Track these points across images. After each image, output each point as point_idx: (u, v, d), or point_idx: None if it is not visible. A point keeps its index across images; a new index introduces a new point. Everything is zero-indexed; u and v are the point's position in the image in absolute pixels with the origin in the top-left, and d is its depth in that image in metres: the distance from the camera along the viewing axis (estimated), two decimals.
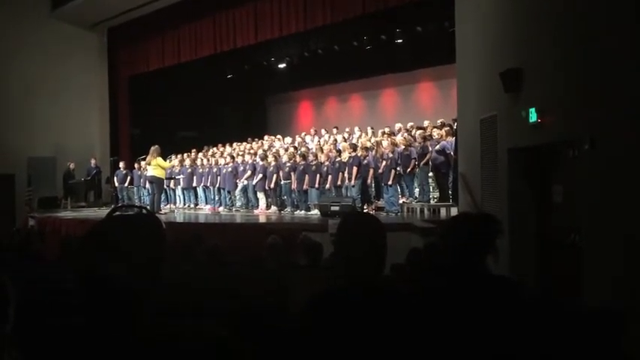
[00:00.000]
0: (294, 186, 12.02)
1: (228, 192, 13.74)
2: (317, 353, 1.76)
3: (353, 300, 1.79)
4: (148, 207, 12.87)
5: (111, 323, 1.39)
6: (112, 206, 12.70)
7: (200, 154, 15.57)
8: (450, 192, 10.07)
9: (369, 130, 13.71)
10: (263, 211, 12.71)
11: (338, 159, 11.44)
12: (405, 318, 1.78)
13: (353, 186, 10.90)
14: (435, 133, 10.82)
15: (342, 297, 1.82)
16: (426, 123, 12.69)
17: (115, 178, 15.76)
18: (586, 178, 4.66)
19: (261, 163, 12.91)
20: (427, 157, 10.46)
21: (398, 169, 10.59)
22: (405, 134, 11.53)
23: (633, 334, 2.40)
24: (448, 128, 10.71)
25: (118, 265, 1.45)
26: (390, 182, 10.49)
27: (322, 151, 12.08)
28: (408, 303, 1.84)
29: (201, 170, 14.56)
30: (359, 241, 1.85)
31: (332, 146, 12.51)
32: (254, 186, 12.95)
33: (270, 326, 2.29)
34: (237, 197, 13.50)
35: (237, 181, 13.34)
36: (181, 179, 14.81)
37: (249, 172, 13.03)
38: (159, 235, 1.60)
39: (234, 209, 13.57)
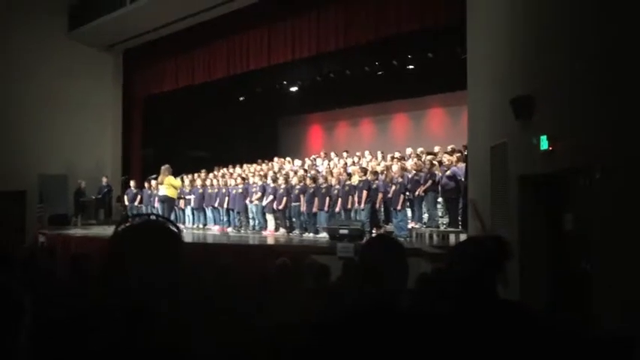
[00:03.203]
0: (303, 208, 12.03)
1: (238, 213, 13.76)
2: None
3: (367, 324, 1.78)
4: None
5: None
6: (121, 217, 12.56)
7: (210, 175, 15.63)
8: (459, 218, 10.04)
9: (379, 155, 13.74)
10: (271, 232, 12.71)
11: (348, 182, 11.45)
12: (416, 343, 1.77)
13: (362, 210, 10.89)
14: (446, 158, 10.83)
15: (356, 321, 1.82)
16: (436, 149, 12.71)
17: (126, 197, 15.86)
18: (598, 207, 4.63)
19: (272, 185, 12.94)
20: (433, 183, 10.42)
21: (407, 193, 10.58)
22: (415, 159, 11.54)
23: None
24: (459, 154, 10.71)
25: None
26: (399, 207, 10.47)
27: (332, 174, 12.10)
28: (419, 328, 1.83)
29: (210, 191, 14.60)
30: (378, 265, 1.85)
31: (342, 169, 12.52)
32: (263, 207, 12.97)
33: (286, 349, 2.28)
34: (251, 217, 13.49)
35: (247, 201, 13.37)
36: (192, 199, 14.85)
37: (259, 194, 13.07)
38: (176, 249, 1.44)
39: (242, 230, 13.57)
